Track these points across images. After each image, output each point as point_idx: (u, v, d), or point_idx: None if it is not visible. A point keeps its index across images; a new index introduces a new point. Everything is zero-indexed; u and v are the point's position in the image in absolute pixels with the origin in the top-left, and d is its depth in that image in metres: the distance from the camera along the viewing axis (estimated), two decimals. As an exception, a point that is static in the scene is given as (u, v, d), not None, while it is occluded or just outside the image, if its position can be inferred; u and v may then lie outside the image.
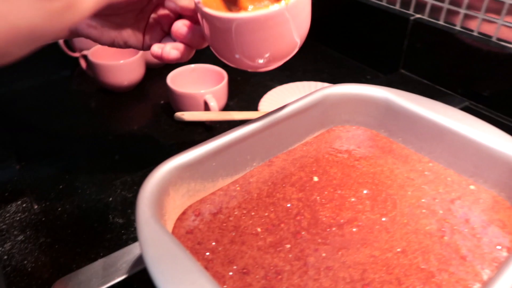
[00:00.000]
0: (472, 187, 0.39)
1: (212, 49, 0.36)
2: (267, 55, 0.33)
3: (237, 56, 0.33)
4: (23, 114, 0.71)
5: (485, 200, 0.37)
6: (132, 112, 0.71)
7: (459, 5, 0.67)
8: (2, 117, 0.68)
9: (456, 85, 0.70)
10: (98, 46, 0.73)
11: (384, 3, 0.79)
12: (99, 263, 0.41)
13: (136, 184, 0.51)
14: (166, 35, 0.40)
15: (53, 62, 0.84)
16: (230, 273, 0.30)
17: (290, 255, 0.32)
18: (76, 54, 0.79)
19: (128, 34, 0.38)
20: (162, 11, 0.38)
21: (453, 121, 0.40)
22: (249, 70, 0.36)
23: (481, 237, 0.34)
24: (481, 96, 0.67)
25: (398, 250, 0.33)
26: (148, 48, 0.39)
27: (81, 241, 0.44)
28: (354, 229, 0.34)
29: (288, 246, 0.33)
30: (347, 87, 0.45)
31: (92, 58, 0.70)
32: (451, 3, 0.68)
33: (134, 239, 0.44)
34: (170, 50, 0.36)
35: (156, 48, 0.37)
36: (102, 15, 0.36)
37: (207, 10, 0.31)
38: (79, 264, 0.41)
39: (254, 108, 0.67)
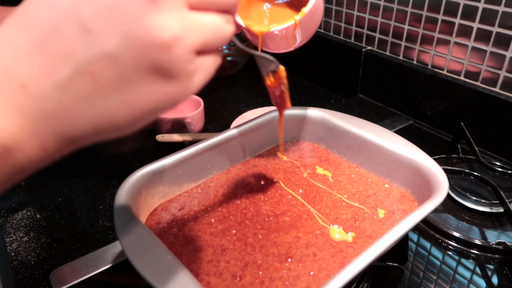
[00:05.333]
0: (386, 185, 0.49)
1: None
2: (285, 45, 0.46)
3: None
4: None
5: (394, 195, 0.47)
6: (122, 137, 0.82)
7: (400, 38, 0.79)
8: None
9: (404, 106, 0.81)
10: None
11: (341, 37, 0.91)
12: (89, 256, 0.50)
13: (123, 195, 0.61)
14: None
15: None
16: (186, 251, 0.40)
17: (234, 238, 0.42)
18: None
19: None
20: None
21: (371, 134, 0.50)
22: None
23: (385, 221, 0.43)
24: (424, 115, 0.78)
25: (318, 232, 0.42)
26: None
27: (75, 240, 0.53)
28: (286, 218, 0.44)
29: (234, 231, 0.43)
30: (291, 110, 0.55)
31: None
32: (393, 37, 0.80)
33: (119, 238, 0.53)
34: None
35: None
36: None
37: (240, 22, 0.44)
38: (74, 258, 0.50)
39: (228, 130, 0.77)
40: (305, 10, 0.43)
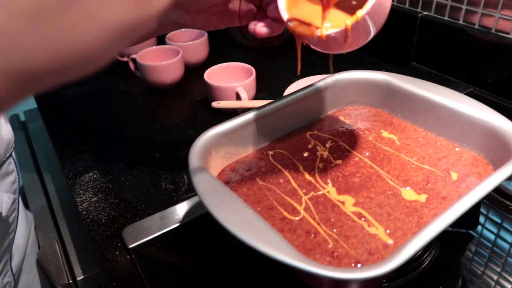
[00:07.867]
0: (457, 149, 0.47)
1: None
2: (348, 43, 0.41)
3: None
4: (85, 111, 0.84)
5: (466, 159, 0.46)
6: (174, 106, 0.83)
7: (461, 1, 0.75)
8: (71, 114, 0.81)
9: (462, 74, 0.78)
10: (145, 50, 0.85)
11: (395, 3, 0.87)
12: (156, 216, 0.52)
13: (181, 160, 0.62)
14: (258, 9, 0.45)
15: (104, 68, 0.97)
16: (258, 209, 0.40)
17: (305, 197, 0.42)
18: (125, 59, 0.92)
19: (226, 18, 0.46)
20: None
21: (440, 96, 0.48)
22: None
23: (459, 184, 0.42)
24: (485, 82, 0.75)
25: (389, 193, 0.42)
26: (244, 23, 0.46)
27: (141, 201, 0.55)
28: (356, 179, 0.44)
29: (304, 191, 0.43)
30: (353, 73, 0.54)
31: (140, 60, 0.82)
32: (453, 0, 0.76)
33: (183, 199, 0.54)
34: (261, 28, 0.43)
35: (252, 25, 0.44)
36: (202, 9, 0.43)
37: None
38: (141, 217, 0.52)
39: (279, 98, 0.77)
40: (360, 13, 0.37)
